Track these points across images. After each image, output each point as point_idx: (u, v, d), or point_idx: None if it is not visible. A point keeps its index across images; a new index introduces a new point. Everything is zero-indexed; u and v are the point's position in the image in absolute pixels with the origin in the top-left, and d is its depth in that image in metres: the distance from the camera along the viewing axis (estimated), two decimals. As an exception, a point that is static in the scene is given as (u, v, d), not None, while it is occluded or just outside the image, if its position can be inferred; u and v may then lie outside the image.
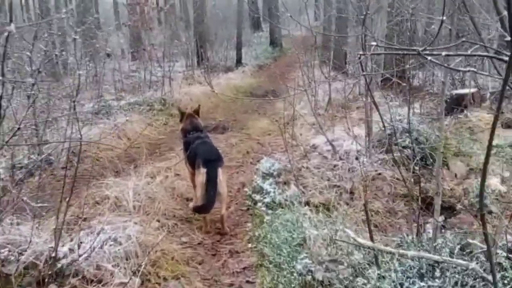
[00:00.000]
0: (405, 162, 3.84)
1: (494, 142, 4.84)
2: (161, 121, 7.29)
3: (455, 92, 6.10)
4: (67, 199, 2.66)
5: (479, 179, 3.55)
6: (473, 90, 5.95)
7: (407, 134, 4.09)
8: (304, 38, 18.66)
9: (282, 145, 5.73)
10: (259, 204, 3.67)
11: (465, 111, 5.75)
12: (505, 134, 4.85)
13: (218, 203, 3.47)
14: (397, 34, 8.52)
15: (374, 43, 2.21)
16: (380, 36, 8.67)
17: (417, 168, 3.68)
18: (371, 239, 2.13)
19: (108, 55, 15.83)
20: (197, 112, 4.30)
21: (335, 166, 4.05)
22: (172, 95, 8.44)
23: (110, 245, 2.87)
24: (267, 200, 3.58)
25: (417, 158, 3.91)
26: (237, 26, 14.10)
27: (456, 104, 5.86)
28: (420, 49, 1.25)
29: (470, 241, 2.48)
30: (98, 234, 2.98)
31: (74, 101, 3.09)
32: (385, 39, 8.49)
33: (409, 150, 3.98)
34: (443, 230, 2.93)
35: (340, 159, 4.10)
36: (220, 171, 3.46)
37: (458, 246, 2.53)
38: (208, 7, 14.70)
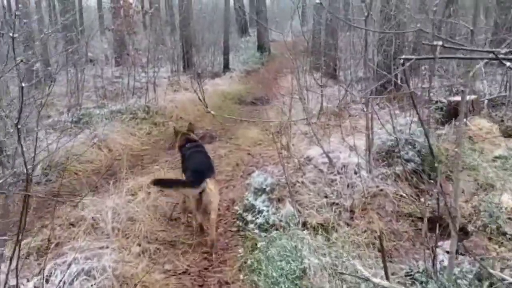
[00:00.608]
0: (408, 177, 3.56)
1: (497, 153, 4.63)
2: (144, 130, 6.92)
3: (452, 99, 5.86)
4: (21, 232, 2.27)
5: (490, 196, 3.29)
6: (472, 97, 5.72)
7: (409, 146, 3.82)
8: (293, 44, 18.43)
9: (274, 156, 5.43)
10: (251, 225, 3.34)
11: (464, 120, 5.51)
12: (508, 143, 4.61)
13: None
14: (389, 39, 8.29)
15: (440, 43, 1.83)
16: (374, 41, 8.50)
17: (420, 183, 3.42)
18: (387, 278, 1.82)
19: (91, 61, 15.40)
20: (191, 130, 4.54)
21: (332, 181, 3.75)
22: (157, 102, 8.06)
23: (83, 280, 2.51)
24: (260, 220, 3.25)
25: (421, 172, 3.65)
26: (224, 30, 13.79)
27: (454, 112, 5.61)
28: (502, 51, 0.95)
29: (491, 271, 2.20)
30: (69, 265, 2.62)
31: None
32: (378, 43, 8.32)
33: (412, 163, 3.70)
34: (457, 256, 2.64)
35: (338, 173, 3.80)
36: (209, 181, 3.31)
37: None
38: (194, 11, 14.36)
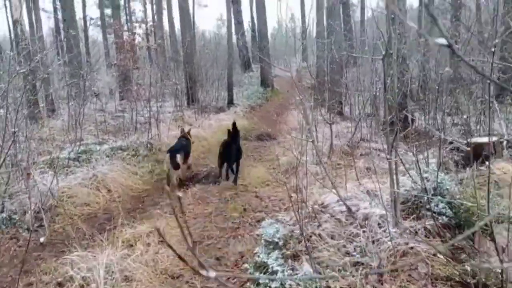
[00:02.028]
0: (440, 232, 3.17)
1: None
2: (146, 168, 6.56)
3: (472, 140, 5.52)
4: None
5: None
6: (493, 138, 5.39)
7: (439, 196, 3.44)
8: (295, 79, 18.35)
9: (284, 199, 5.07)
10: (265, 290, 2.92)
11: (486, 163, 5.16)
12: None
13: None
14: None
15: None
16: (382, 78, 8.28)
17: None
18: None
19: (96, 94, 15.30)
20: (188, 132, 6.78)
21: (354, 235, 3.36)
22: (160, 138, 7.77)
23: None
24: (275, 286, 2.83)
25: (454, 226, 3.27)
26: (228, 66, 13.71)
27: (475, 155, 5.27)
28: None
29: None
30: None
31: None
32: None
33: (444, 216, 3.32)
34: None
35: (360, 226, 3.41)
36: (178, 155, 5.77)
37: None
38: (198, 47, 14.37)
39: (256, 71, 21.07)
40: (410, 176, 3.49)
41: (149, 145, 7.33)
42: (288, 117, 11.58)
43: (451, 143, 6.62)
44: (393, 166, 3.22)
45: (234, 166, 6.08)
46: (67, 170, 5.85)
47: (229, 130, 6.20)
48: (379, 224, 3.43)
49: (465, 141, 6.22)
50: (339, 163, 6.47)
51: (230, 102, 13.13)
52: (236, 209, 4.69)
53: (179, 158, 5.73)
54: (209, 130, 9.18)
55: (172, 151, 5.78)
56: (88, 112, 10.72)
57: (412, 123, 8.65)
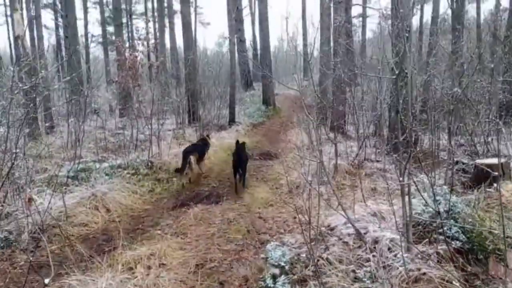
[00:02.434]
0: (453, 258, 3.03)
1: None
2: (146, 187, 6.44)
3: (480, 162, 5.42)
4: None
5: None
6: (502, 159, 5.28)
7: (452, 220, 3.32)
8: (296, 97, 18.49)
9: (288, 220, 4.94)
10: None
11: (494, 184, 5.05)
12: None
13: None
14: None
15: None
16: (387, 97, 8.24)
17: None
18: None
19: (96, 112, 15.24)
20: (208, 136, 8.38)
21: (363, 259, 3.23)
22: (161, 157, 7.65)
23: None
24: (284, 314, 2.69)
25: (467, 251, 3.14)
26: (230, 84, 13.70)
27: (483, 176, 5.17)
28: None
29: None
30: None
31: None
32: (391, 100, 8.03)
33: (457, 241, 3.19)
34: None
35: (370, 250, 3.28)
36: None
37: None
38: (200, 64, 14.39)
39: (257, 89, 21.12)
40: (423, 198, 3.37)
41: (149, 164, 7.22)
42: (290, 135, 11.50)
43: (456, 163, 6.52)
44: (406, 189, 3.11)
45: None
46: (65, 188, 5.73)
47: (237, 141, 7.26)
48: (389, 248, 3.30)
49: (471, 162, 6.14)
50: (343, 183, 6.36)
51: (232, 120, 13.07)
52: (239, 231, 4.55)
53: (192, 158, 7.04)
54: (211, 149, 9.06)
55: (186, 152, 7.04)
56: (88, 129, 10.65)
57: (416, 143, 8.58)
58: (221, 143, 9.92)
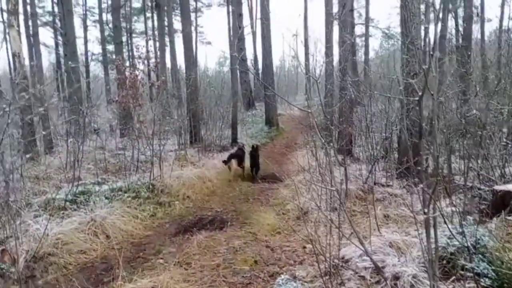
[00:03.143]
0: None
1: None
2: (148, 212, 6.18)
3: (499, 188, 5.18)
4: None
5: None
6: (522, 186, 5.05)
7: (480, 256, 3.07)
8: (300, 118, 18.36)
9: (297, 250, 4.67)
10: None
11: (515, 212, 4.80)
12: None
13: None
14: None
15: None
16: (397, 119, 8.04)
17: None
18: None
19: (96, 131, 15.04)
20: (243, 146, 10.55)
21: (386, 298, 2.97)
22: (162, 179, 7.40)
23: None
24: None
25: None
26: (232, 104, 13.55)
27: (502, 203, 4.93)
28: None
29: None
30: None
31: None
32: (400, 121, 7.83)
33: (486, 279, 2.94)
34: None
35: (390, 287, 3.02)
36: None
37: None
38: (202, 84, 14.27)
39: (259, 110, 20.99)
40: (449, 231, 3.12)
41: (151, 186, 6.97)
42: (295, 157, 11.28)
43: (471, 188, 6.27)
44: (432, 222, 2.86)
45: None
46: (63, 213, 5.47)
47: (252, 146, 10.06)
48: (412, 285, 3.04)
49: (487, 188, 5.90)
50: (353, 210, 6.11)
51: (234, 141, 12.86)
52: (246, 261, 4.28)
53: (233, 161, 9.32)
54: (213, 171, 8.84)
55: (231, 156, 9.57)
56: (88, 149, 10.43)
57: (427, 167, 8.34)
58: (224, 165, 9.67)
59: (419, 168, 3.06)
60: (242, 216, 6.09)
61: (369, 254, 3.39)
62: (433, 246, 3.02)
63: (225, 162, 9.42)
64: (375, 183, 7.33)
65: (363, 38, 30.90)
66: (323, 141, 3.80)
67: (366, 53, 30.38)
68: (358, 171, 8.03)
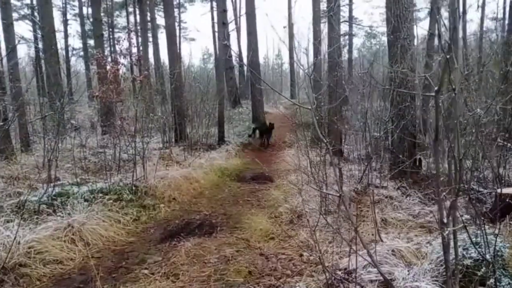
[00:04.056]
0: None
1: None
2: (131, 216, 5.76)
3: (504, 191, 4.95)
4: None
5: None
6: (527, 189, 4.83)
7: (502, 270, 2.79)
8: (286, 116, 18.09)
9: (293, 258, 4.34)
10: None
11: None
12: None
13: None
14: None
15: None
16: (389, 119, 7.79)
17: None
18: None
19: (76, 128, 14.43)
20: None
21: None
22: (146, 180, 6.98)
23: None
24: None
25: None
26: (219, 102, 13.14)
27: (507, 207, 4.70)
28: None
29: None
30: None
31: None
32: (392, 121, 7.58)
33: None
34: None
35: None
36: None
37: None
38: (188, 81, 13.81)
39: (245, 107, 20.62)
40: (473, 245, 2.83)
41: (134, 188, 6.54)
42: (283, 156, 10.98)
43: (465, 191, 6.04)
44: (451, 237, 2.56)
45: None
46: (37, 218, 5.02)
47: (269, 123, 13.52)
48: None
49: (485, 191, 5.68)
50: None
51: (221, 139, 12.48)
52: (239, 272, 3.93)
53: (257, 133, 13.19)
54: (200, 171, 8.45)
55: (254, 129, 13.47)
56: (67, 147, 9.91)
57: (420, 165, 8.12)
58: (211, 164, 9.31)
59: (435, 173, 2.76)
60: (233, 220, 5.73)
61: (378, 266, 3.08)
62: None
63: (250, 136, 13.70)
64: (369, 184, 7.08)
65: (346, 37, 30.98)
66: (326, 141, 3.47)
67: (350, 51, 30.39)
68: (350, 171, 7.77)
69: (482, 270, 2.71)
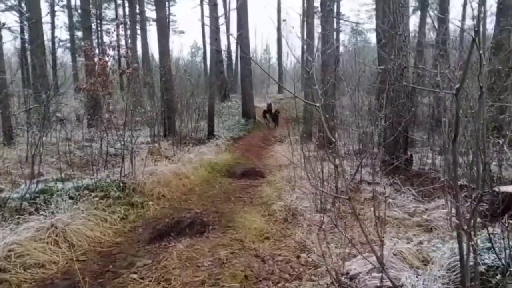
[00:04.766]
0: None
1: None
2: (118, 214, 5.49)
3: (501, 189, 4.82)
4: None
5: None
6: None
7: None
8: (276, 110, 17.90)
9: (291, 260, 4.15)
10: None
11: (521, 216, 4.44)
12: None
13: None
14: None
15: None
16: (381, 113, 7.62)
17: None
18: None
19: (61, 121, 14.02)
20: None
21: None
22: (134, 176, 6.71)
23: None
24: None
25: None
26: (209, 95, 12.86)
27: (505, 206, 4.56)
28: None
29: None
30: None
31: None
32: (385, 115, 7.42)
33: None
34: None
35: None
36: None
37: None
38: (178, 74, 13.49)
39: (234, 101, 20.38)
40: (494, 250, 2.65)
41: (121, 185, 6.27)
42: (274, 151, 10.78)
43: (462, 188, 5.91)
44: (470, 249, 2.37)
45: None
46: (18, 218, 4.72)
47: (276, 110, 17.09)
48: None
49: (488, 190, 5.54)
50: (343, 211, 5.62)
51: (211, 134, 12.23)
52: (235, 276, 3.71)
53: (267, 115, 16.82)
54: (189, 166, 8.20)
55: (264, 112, 17.26)
56: (52, 141, 9.56)
57: (411, 163, 8.00)
58: (201, 159, 9.06)
59: (453, 176, 2.58)
60: (225, 218, 5.51)
61: (386, 272, 2.89)
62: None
63: (264, 115, 17.45)
64: (361, 181, 6.92)
65: (334, 33, 30.97)
66: (334, 140, 3.25)
67: (337, 47, 30.28)
68: (341, 167, 7.57)
69: (498, 277, 2.54)
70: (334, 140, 3.23)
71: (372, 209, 5.43)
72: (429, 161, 8.33)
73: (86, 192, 5.82)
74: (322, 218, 4.70)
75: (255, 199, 6.54)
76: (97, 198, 5.68)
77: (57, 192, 5.70)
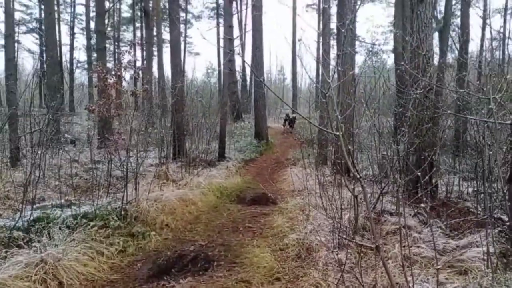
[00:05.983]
0: None
1: None
2: (116, 246, 5.07)
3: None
4: None
5: None
6: None
7: None
8: (288, 132, 17.42)
9: (304, 308, 3.64)
10: None
11: None
12: None
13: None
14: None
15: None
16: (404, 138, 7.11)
17: None
18: None
19: (72, 141, 13.83)
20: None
21: None
22: (138, 203, 6.29)
23: None
24: None
25: None
26: (221, 116, 12.53)
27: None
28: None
29: None
30: None
31: None
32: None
33: None
34: None
35: None
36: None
37: None
38: (189, 95, 13.25)
39: (247, 122, 20.09)
40: None
41: (123, 212, 5.87)
42: (287, 175, 10.30)
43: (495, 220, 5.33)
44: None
45: None
46: (6, 251, 4.34)
47: (293, 117, 20.60)
48: None
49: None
50: (365, 247, 5.09)
51: (221, 156, 11.83)
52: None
53: (286, 123, 20.36)
54: (197, 191, 7.78)
55: (284, 120, 20.72)
56: (60, 163, 9.29)
57: (436, 190, 7.42)
58: (210, 183, 8.64)
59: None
60: (231, 253, 5.03)
61: None
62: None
63: (284, 123, 20.61)
64: (382, 211, 6.38)
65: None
66: (359, 176, 2.79)
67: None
68: (360, 193, 7.06)
69: None
70: (359, 176, 2.76)
71: (396, 245, 4.90)
72: (455, 187, 7.76)
73: (84, 220, 5.44)
74: (337, 256, 4.19)
75: (266, 229, 6.05)
76: (95, 228, 5.29)
77: (54, 220, 5.33)
